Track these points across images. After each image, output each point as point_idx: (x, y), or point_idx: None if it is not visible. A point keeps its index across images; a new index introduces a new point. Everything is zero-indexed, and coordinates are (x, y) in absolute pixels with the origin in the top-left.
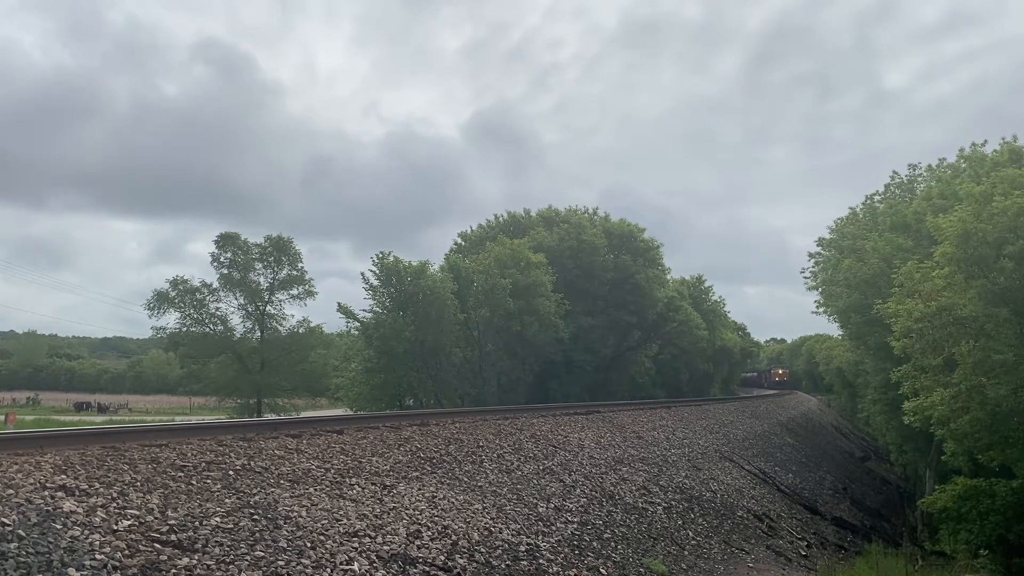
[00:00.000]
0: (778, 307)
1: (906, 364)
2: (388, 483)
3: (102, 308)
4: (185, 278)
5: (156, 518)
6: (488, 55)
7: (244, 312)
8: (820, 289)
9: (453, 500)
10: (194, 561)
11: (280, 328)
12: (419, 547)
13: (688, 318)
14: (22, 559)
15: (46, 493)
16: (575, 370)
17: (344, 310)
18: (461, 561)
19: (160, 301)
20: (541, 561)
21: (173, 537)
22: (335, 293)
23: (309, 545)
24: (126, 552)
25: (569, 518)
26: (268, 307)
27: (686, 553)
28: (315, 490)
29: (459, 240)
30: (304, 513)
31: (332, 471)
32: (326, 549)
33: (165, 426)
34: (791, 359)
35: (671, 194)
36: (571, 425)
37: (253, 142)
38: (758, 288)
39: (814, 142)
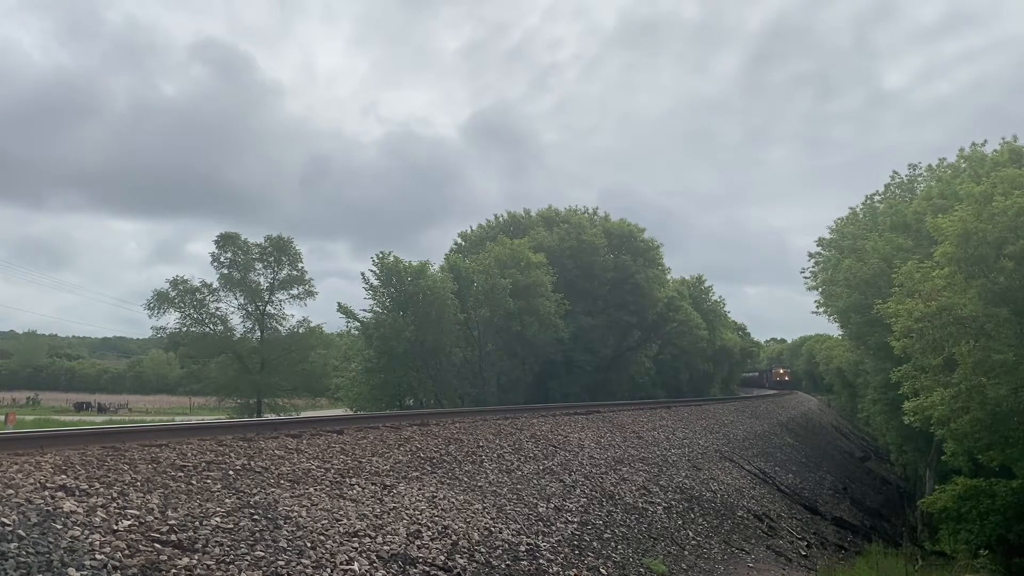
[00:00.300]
0: (778, 307)
1: (906, 364)
2: (388, 483)
3: (102, 308)
4: (185, 278)
5: (156, 518)
6: (487, 55)
7: (244, 312)
8: (820, 289)
9: (453, 500)
10: (194, 561)
11: (280, 328)
12: (419, 547)
13: (688, 318)
14: (22, 559)
15: (46, 493)
16: (575, 370)
17: (344, 310)
18: (461, 561)
19: (160, 301)
20: (541, 561)
21: (173, 537)
22: (335, 293)
23: (309, 545)
24: (126, 552)
25: (569, 518)
26: (268, 307)
27: (686, 553)
28: (315, 490)
29: (459, 240)
30: (304, 513)
31: (332, 471)
32: (326, 549)
33: (165, 426)
34: (791, 359)
35: (671, 194)
36: (571, 425)
37: (253, 142)
38: (758, 288)
39: (814, 142)
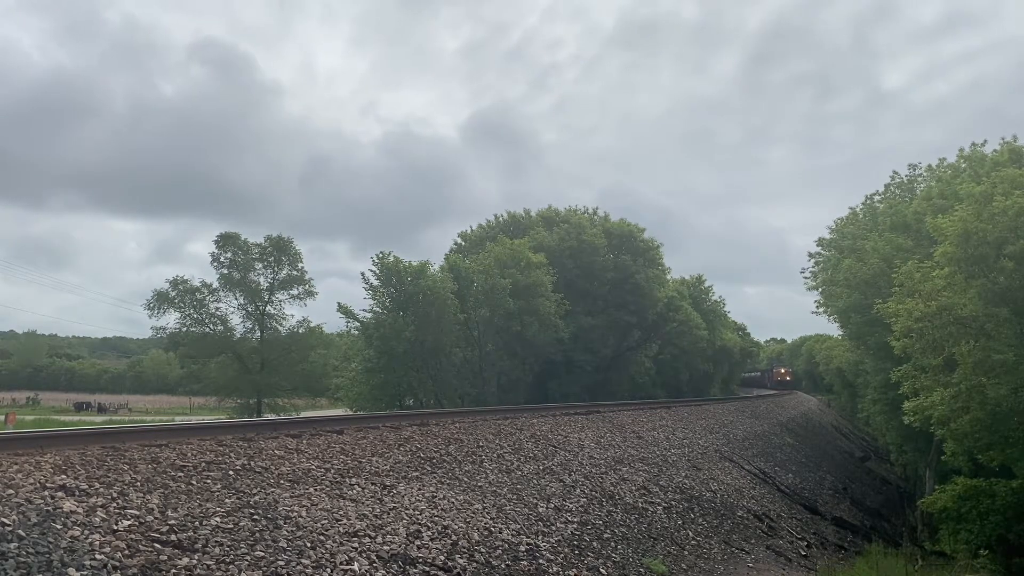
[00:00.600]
0: (778, 307)
1: (906, 364)
2: (388, 483)
3: (102, 308)
4: (185, 278)
5: (156, 518)
6: (487, 56)
7: (244, 312)
8: (820, 289)
9: (453, 500)
10: (194, 561)
11: (280, 328)
12: (419, 547)
13: (688, 318)
14: (22, 559)
15: (46, 493)
16: (575, 370)
17: (344, 310)
18: (461, 561)
19: (160, 301)
20: (541, 561)
21: (173, 537)
22: (334, 293)
23: (309, 545)
24: (126, 552)
25: (569, 518)
26: (268, 307)
27: (686, 553)
28: (315, 490)
29: (459, 240)
30: (304, 513)
31: (332, 471)
32: (326, 549)
33: (165, 426)
34: (791, 359)
35: (670, 194)
36: (571, 425)
37: (252, 142)
38: (758, 288)
39: (813, 142)
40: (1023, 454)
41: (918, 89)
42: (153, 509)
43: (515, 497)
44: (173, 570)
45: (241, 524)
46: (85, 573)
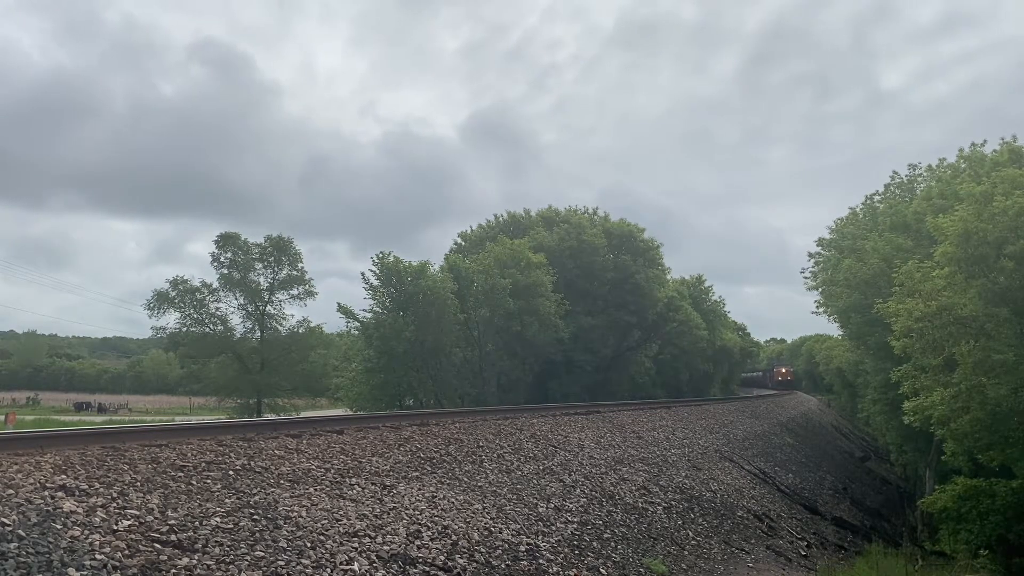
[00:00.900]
0: (777, 307)
1: (906, 364)
2: (388, 483)
3: (102, 308)
4: (185, 278)
5: (156, 518)
6: (486, 56)
7: (244, 312)
8: (820, 289)
9: (453, 500)
10: (194, 561)
11: (280, 328)
12: (419, 547)
13: (688, 318)
14: (22, 559)
15: (46, 493)
16: (575, 370)
17: (344, 310)
18: (461, 561)
19: (160, 301)
20: (541, 561)
21: (173, 537)
22: (334, 293)
23: (309, 545)
24: (126, 552)
25: (569, 518)
26: (268, 307)
27: (686, 553)
28: (315, 490)
29: (459, 240)
30: (304, 513)
31: (332, 471)
32: (326, 549)
33: (165, 426)
34: (791, 359)
35: (670, 194)
36: (571, 425)
37: (251, 142)
38: (757, 288)
39: (813, 142)
40: (1023, 454)
41: (917, 89)
42: (153, 509)
43: (515, 497)
44: (173, 570)
45: (241, 524)
46: (85, 573)
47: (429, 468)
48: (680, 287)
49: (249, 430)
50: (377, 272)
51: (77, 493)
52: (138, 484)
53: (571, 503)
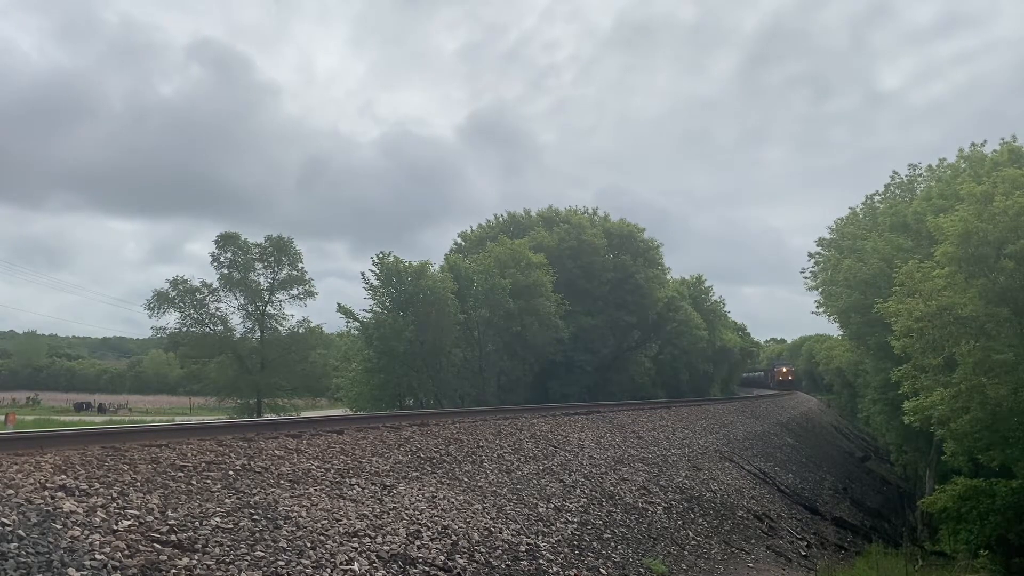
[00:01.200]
0: (776, 308)
1: (906, 364)
2: (388, 483)
3: (101, 308)
4: (185, 278)
5: (156, 518)
6: (485, 57)
7: (244, 312)
8: (820, 289)
9: (453, 500)
10: (194, 561)
11: (280, 328)
12: (419, 547)
13: (688, 318)
14: (22, 559)
15: (46, 493)
16: (575, 370)
17: (344, 310)
18: (461, 561)
19: (160, 301)
20: (541, 561)
21: (173, 537)
22: (333, 293)
23: (309, 545)
24: (126, 552)
25: (569, 518)
26: (268, 307)
27: (686, 553)
28: (315, 490)
29: (459, 240)
30: (304, 513)
31: (332, 471)
32: (326, 549)
33: (165, 426)
34: (791, 359)
35: (668, 194)
36: (571, 425)
37: (250, 142)
38: (756, 288)
39: (811, 143)
40: (1023, 454)
41: (915, 90)
42: (153, 509)
43: (515, 497)
44: (173, 570)
45: (241, 524)
46: (85, 573)
47: (429, 468)
48: (680, 287)
49: (249, 430)
50: (377, 272)
51: (77, 493)
52: (138, 484)
53: (571, 503)
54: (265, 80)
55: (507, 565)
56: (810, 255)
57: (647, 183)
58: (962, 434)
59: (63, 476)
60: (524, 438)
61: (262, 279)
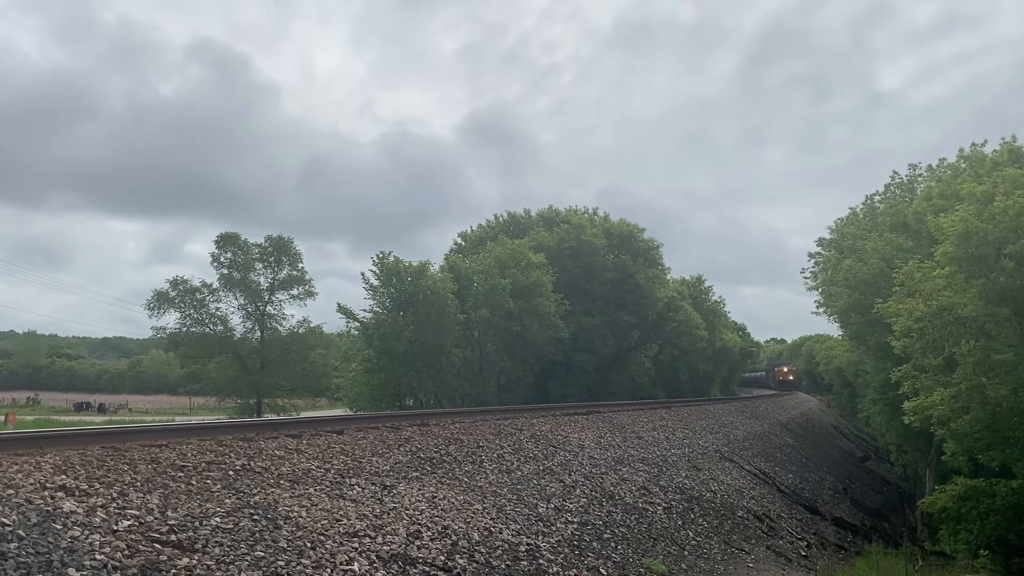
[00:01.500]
0: (775, 308)
1: (906, 364)
2: (388, 483)
3: (101, 308)
4: (185, 278)
5: (156, 518)
6: (484, 57)
7: (244, 312)
8: (820, 289)
9: (453, 500)
10: (194, 561)
11: (280, 328)
12: (419, 547)
13: (688, 318)
14: (22, 559)
15: (46, 493)
16: (575, 370)
17: (344, 310)
18: (461, 561)
19: (160, 301)
20: (541, 561)
21: (173, 537)
22: (332, 293)
23: (309, 545)
24: (126, 552)
25: (569, 518)
26: (268, 307)
27: (686, 553)
28: (315, 490)
29: (459, 240)
30: (304, 513)
31: (332, 471)
32: (326, 549)
33: (165, 426)
34: (791, 359)
35: (668, 194)
36: (571, 425)
37: (250, 142)
38: (756, 288)
39: (811, 143)
40: (1023, 454)
41: (915, 90)
42: (153, 509)
43: (515, 497)
44: (173, 570)
45: (241, 524)
46: (85, 573)
47: (429, 468)
48: (680, 287)
49: (249, 430)
50: (377, 272)
51: (77, 493)
52: (138, 484)
53: (571, 503)
54: (265, 80)
55: (507, 565)
56: (810, 255)
57: (647, 183)
58: (962, 434)
59: (63, 476)
60: (524, 438)
61: (262, 279)
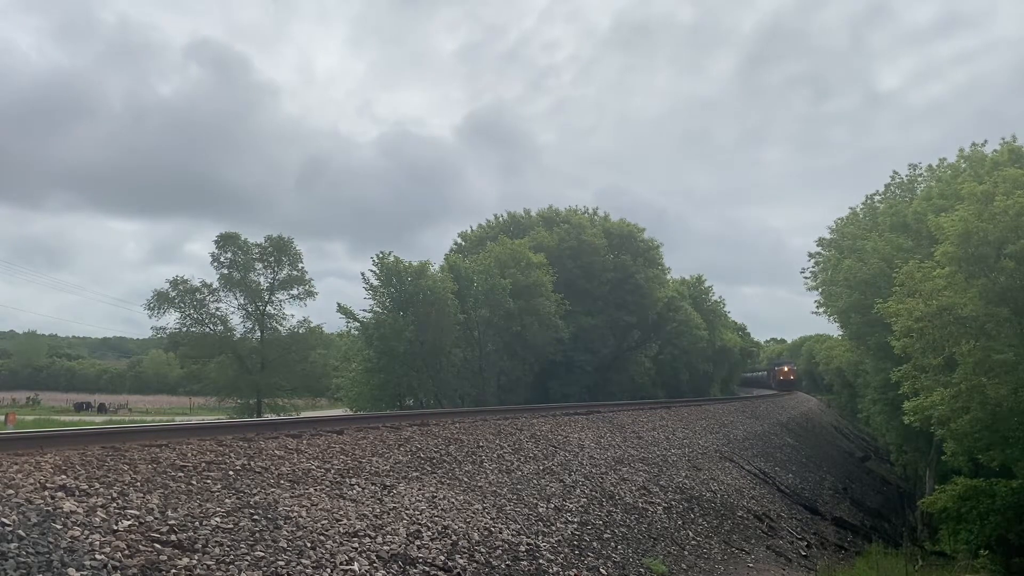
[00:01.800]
0: (775, 308)
1: (906, 364)
2: (388, 483)
3: (101, 308)
4: (185, 278)
5: (156, 518)
6: (484, 57)
7: (244, 312)
8: (820, 289)
9: (453, 500)
10: (194, 561)
11: (280, 328)
12: (419, 547)
13: (688, 318)
14: (22, 559)
15: (46, 493)
16: (575, 370)
17: (344, 310)
18: (461, 561)
19: (160, 301)
20: (541, 561)
21: (173, 537)
22: (332, 293)
23: (309, 545)
24: (126, 552)
25: (569, 518)
26: (268, 307)
27: (686, 553)
28: (315, 490)
29: (459, 240)
30: (304, 513)
31: (332, 471)
32: (326, 549)
33: (165, 426)
34: (791, 359)
35: (667, 194)
36: (571, 425)
37: (249, 142)
38: (756, 288)
39: (810, 143)
40: (1023, 454)
41: (914, 90)
42: (153, 509)
43: (515, 497)
44: (173, 570)
45: (241, 524)
46: (85, 573)
47: (429, 468)
48: (680, 287)
49: (249, 430)
50: (377, 272)
51: (77, 493)
52: (138, 484)
53: (571, 503)
54: (264, 80)
55: (507, 565)
56: (810, 255)
57: (647, 183)
58: (962, 434)
59: (63, 476)
60: (524, 438)
61: (262, 279)
